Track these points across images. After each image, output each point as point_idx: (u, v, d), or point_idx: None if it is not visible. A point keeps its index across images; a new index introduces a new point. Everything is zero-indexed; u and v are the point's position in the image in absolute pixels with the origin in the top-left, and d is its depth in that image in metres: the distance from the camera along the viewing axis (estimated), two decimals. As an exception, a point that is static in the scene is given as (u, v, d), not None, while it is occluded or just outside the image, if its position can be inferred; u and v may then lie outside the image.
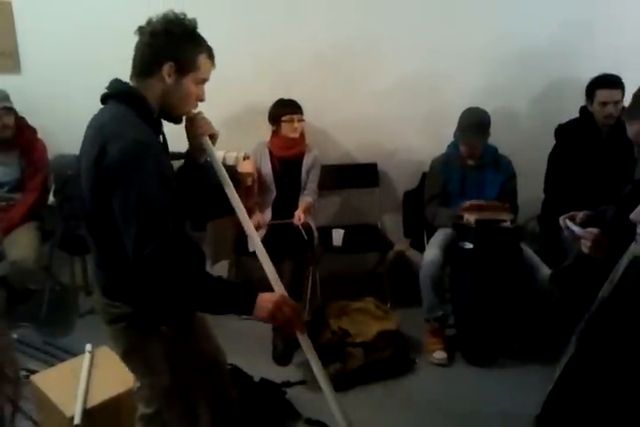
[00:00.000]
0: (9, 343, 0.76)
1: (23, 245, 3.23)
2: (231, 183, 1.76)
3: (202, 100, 1.71)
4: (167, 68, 1.58)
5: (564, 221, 2.02)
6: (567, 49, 3.77)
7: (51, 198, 3.53)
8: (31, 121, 3.43)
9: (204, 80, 1.67)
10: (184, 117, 1.73)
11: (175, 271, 1.46)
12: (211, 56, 1.67)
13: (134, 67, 1.63)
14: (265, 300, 1.51)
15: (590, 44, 3.75)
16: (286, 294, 1.62)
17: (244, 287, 1.56)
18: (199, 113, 1.75)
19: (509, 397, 2.83)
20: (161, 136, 1.71)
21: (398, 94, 3.81)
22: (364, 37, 3.68)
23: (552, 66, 3.80)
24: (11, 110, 3.26)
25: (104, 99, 1.64)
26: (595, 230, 1.85)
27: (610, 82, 3.18)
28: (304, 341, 1.59)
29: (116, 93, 1.63)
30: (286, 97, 3.53)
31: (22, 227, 3.33)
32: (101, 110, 1.63)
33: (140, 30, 1.61)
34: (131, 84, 1.64)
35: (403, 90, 3.81)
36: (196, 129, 1.73)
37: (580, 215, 2.05)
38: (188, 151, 1.82)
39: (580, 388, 1.51)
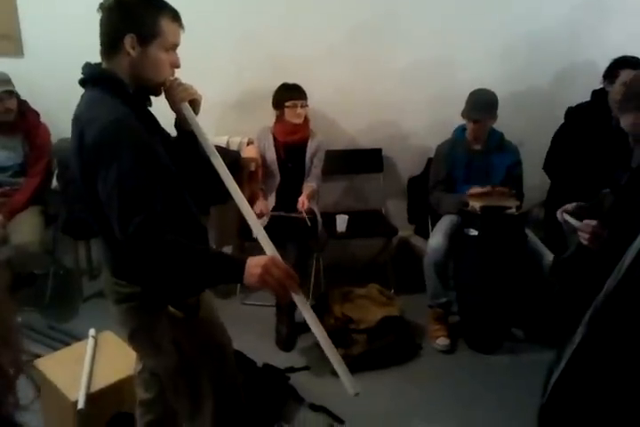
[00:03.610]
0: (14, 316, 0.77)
1: (27, 229, 3.23)
2: (217, 153, 1.69)
3: (177, 66, 1.66)
4: (129, 41, 1.54)
5: (561, 214, 2.01)
6: (579, 32, 3.71)
7: (54, 183, 3.52)
8: (34, 105, 3.42)
9: (174, 45, 1.62)
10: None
11: (161, 246, 1.44)
12: (175, 18, 1.60)
13: (101, 46, 1.60)
14: (253, 265, 1.45)
15: (602, 26, 3.69)
16: (277, 256, 1.55)
17: (231, 256, 1.53)
18: (175, 79, 1.68)
19: (512, 383, 2.84)
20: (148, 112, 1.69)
21: (404, 79, 3.77)
22: (369, 23, 3.63)
23: (563, 49, 3.74)
24: (12, 94, 3.24)
25: (82, 83, 1.63)
26: (592, 222, 1.83)
27: (636, 63, 3.15)
28: (300, 301, 1.52)
29: (88, 78, 1.62)
30: (291, 82, 3.50)
31: (26, 211, 3.33)
32: (81, 97, 1.62)
33: (100, 7, 1.58)
34: (102, 65, 1.62)
35: (408, 75, 3.77)
36: (174, 96, 1.67)
37: (573, 206, 2.03)
38: (175, 121, 1.77)
39: (586, 379, 1.50)
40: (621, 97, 1.70)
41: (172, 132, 1.79)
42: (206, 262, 1.49)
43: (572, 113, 3.43)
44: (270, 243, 1.61)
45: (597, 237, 1.80)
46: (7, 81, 3.23)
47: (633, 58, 3.18)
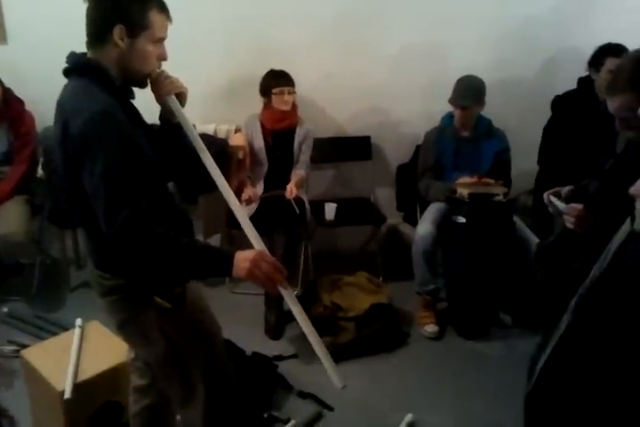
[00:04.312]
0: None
1: (12, 218, 3.20)
2: (205, 148, 1.68)
3: (164, 58, 1.65)
4: (118, 32, 1.52)
5: (548, 196, 2.00)
6: (567, 21, 3.70)
7: (39, 171, 3.49)
8: (18, 92, 3.37)
9: (161, 39, 1.60)
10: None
11: (147, 241, 1.43)
12: (163, 9, 1.58)
13: (87, 36, 1.57)
14: (242, 259, 1.47)
15: (590, 14, 3.68)
16: (265, 251, 1.57)
17: (219, 249, 1.52)
18: (162, 72, 1.67)
19: (500, 369, 2.86)
20: (132, 104, 1.67)
21: (393, 67, 3.75)
22: (358, 9, 3.59)
23: (552, 38, 3.73)
24: None
25: (66, 73, 1.60)
26: (578, 206, 1.82)
27: (622, 51, 3.15)
28: (288, 295, 1.54)
29: (73, 67, 1.59)
30: (279, 68, 3.47)
31: (11, 201, 3.30)
32: (64, 86, 1.59)
33: None
34: (88, 55, 1.59)
35: (398, 63, 3.75)
36: (161, 89, 1.67)
37: (565, 191, 2.02)
38: (160, 114, 1.76)
39: (573, 365, 1.51)
40: (610, 80, 1.69)
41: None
42: (194, 256, 1.48)
43: (558, 102, 3.44)
44: (258, 237, 1.62)
45: (582, 221, 1.80)
46: (-10, 68, 3.19)
47: (617, 45, 3.19)
